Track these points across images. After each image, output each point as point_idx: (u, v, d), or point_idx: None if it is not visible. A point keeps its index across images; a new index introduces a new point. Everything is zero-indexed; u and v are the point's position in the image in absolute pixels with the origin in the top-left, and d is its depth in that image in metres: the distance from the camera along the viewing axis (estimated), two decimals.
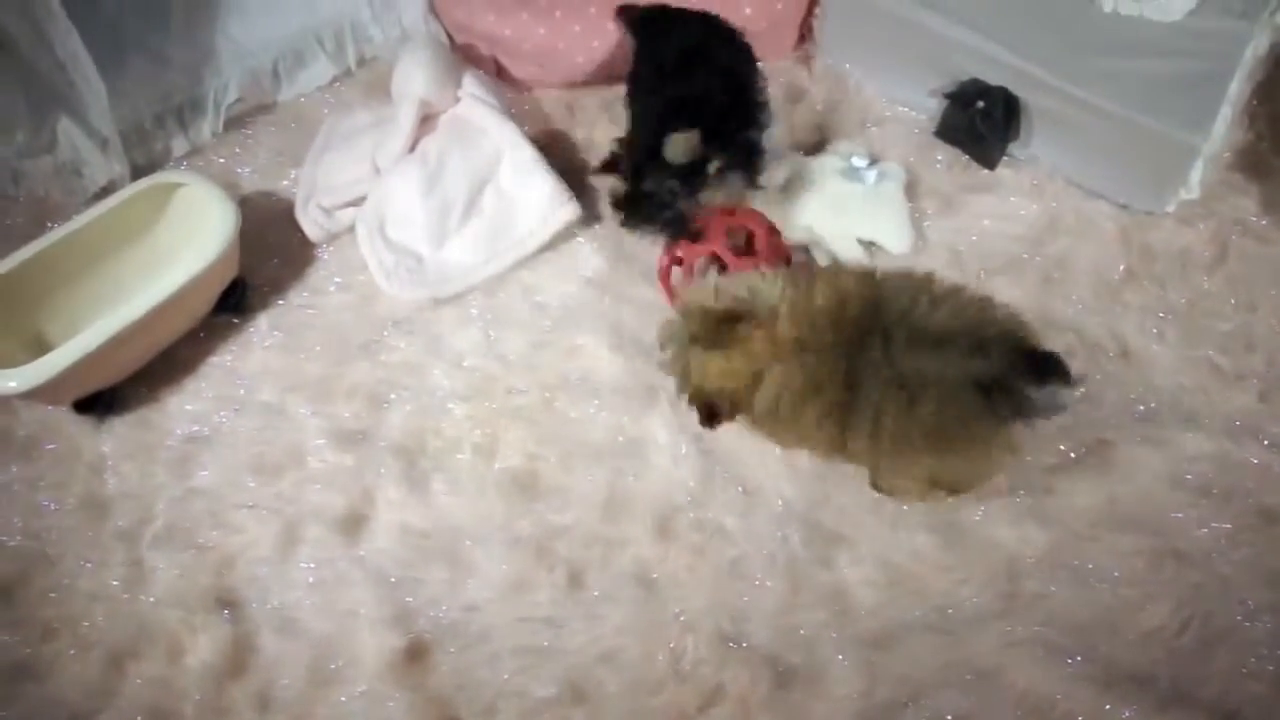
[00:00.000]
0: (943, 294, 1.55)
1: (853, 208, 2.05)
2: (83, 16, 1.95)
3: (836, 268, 1.63)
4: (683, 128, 1.81)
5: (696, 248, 1.87)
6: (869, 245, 2.06)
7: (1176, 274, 2.04)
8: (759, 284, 1.61)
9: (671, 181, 1.86)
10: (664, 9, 2.13)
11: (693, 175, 1.85)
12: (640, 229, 1.98)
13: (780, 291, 1.58)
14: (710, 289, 1.64)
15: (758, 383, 1.57)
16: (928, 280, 1.58)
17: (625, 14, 2.18)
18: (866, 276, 1.60)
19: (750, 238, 1.88)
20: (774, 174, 2.12)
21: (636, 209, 1.95)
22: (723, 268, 1.86)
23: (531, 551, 1.70)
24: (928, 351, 1.49)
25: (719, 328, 1.57)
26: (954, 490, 1.70)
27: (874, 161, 2.10)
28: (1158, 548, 1.69)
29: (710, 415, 1.63)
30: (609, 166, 2.15)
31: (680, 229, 1.89)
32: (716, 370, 1.59)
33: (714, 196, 1.87)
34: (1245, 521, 1.71)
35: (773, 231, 1.90)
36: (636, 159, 1.93)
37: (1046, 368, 1.49)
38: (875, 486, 1.74)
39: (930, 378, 1.48)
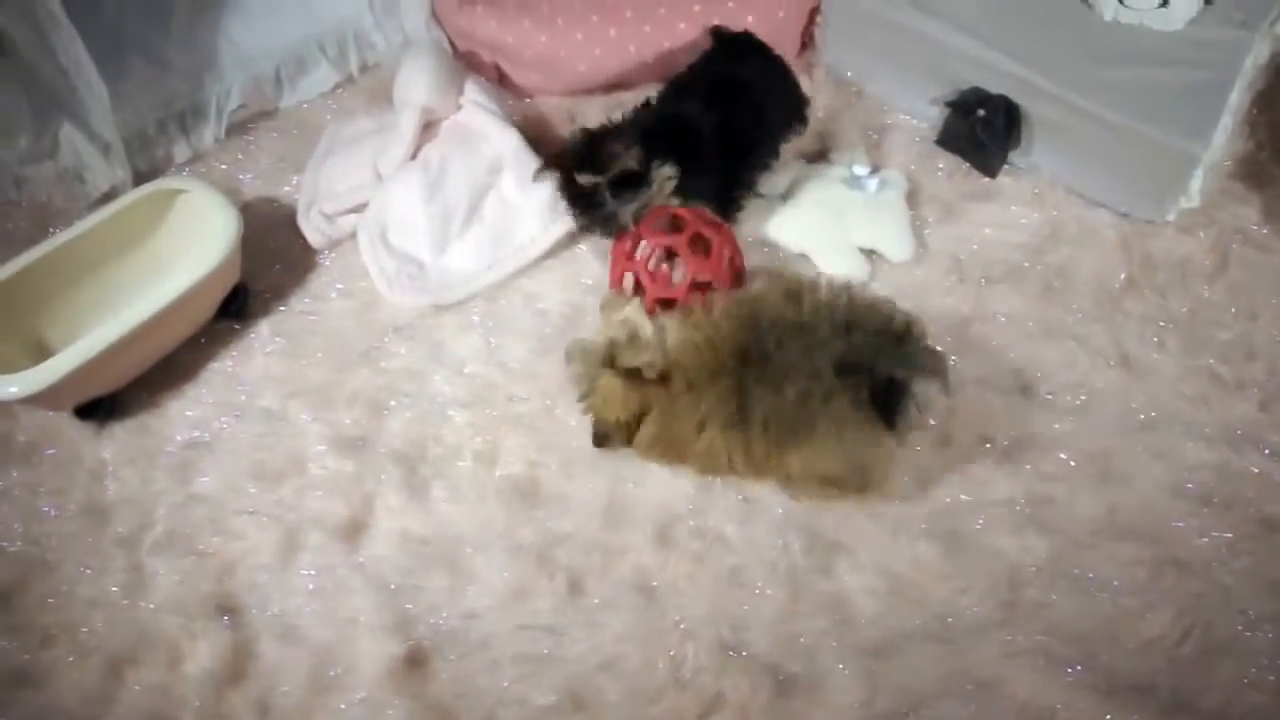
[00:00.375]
0: (814, 300, 1.59)
1: (853, 216, 2.05)
2: (85, 22, 1.95)
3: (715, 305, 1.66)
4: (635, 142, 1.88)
5: (661, 236, 1.87)
6: (870, 253, 2.06)
7: (1177, 283, 2.04)
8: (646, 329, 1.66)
9: (599, 181, 1.89)
10: (749, 40, 2.18)
11: (625, 183, 1.89)
12: (577, 222, 2.02)
13: (660, 337, 1.64)
14: (624, 310, 1.70)
15: (642, 417, 1.63)
16: (796, 289, 1.62)
17: (715, 33, 2.23)
18: (739, 305, 1.64)
19: (709, 246, 1.87)
20: (776, 181, 2.13)
21: (571, 202, 1.99)
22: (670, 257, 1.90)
23: (532, 559, 1.70)
24: (792, 340, 1.53)
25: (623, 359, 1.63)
26: (845, 488, 1.69)
27: (875, 169, 2.10)
28: (1159, 557, 1.68)
29: (600, 438, 1.70)
30: (559, 159, 2.10)
31: (608, 231, 1.92)
32: (617, 399, 1.63)
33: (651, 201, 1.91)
34: (1246, 531, 1.71)
35: (735, 251, 1.92)
36: (579, 151, 1.95)
37: (912, 357, 1.52)
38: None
39: (792, 364, 1.51)
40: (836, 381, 1.50)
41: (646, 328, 1.66)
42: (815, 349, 1.52)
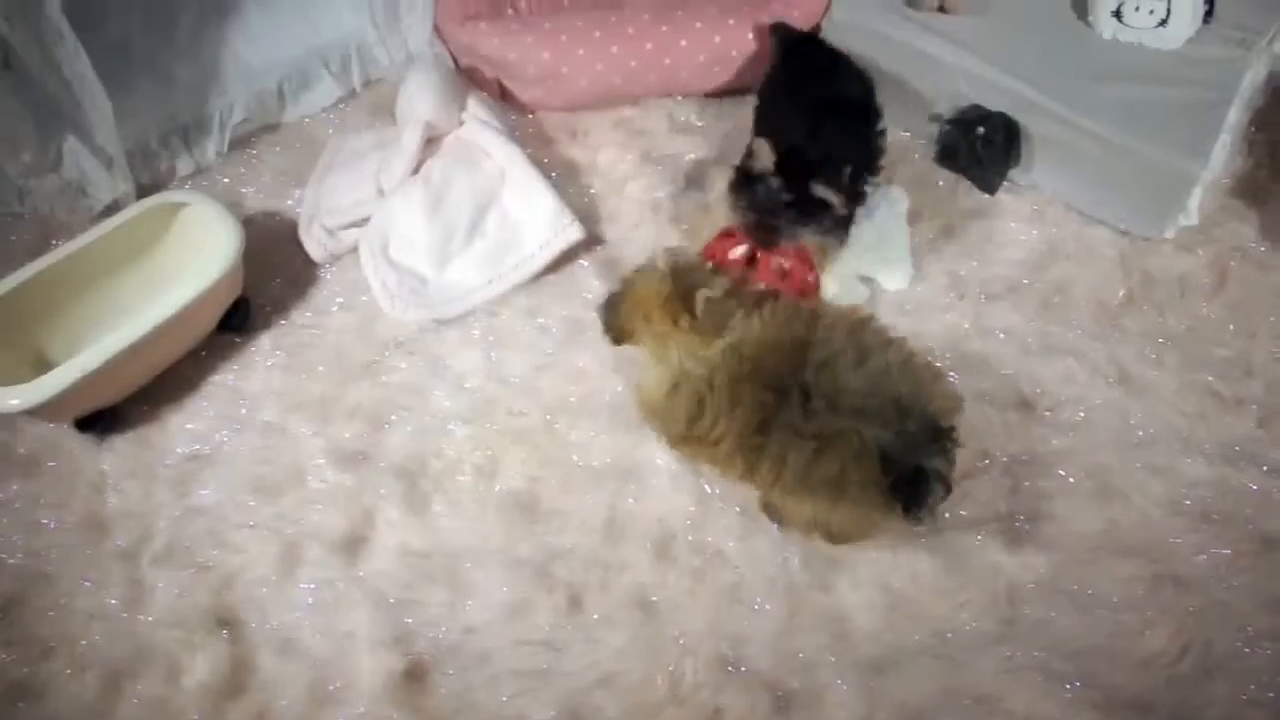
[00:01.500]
0: (872, 345, 1.54)
1: (856, 241, 2.03)
2: (90, 36, 1.96)
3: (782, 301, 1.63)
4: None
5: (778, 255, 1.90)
6: (868, 281, 2.06)
7: (1176, 300, 2.05)
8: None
9: (781, 192, 1.84)
10: (814, 40, 2.20)
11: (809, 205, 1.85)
12: (740, 211, 1.91)
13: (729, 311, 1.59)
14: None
15: (680, 388, 1.59)
16: (860, 326, 1.58)
17: (776, 31, 2.23)
18: (805, 315, 1.59)
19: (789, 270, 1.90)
20: None
21: (743, 191, 1.89)
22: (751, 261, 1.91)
23: (531, 574, 1.70)
24: (844, 412, 1.48)
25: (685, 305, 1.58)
26: (833, 538, 1.70)
27: (877, 184, 2.08)
28: (1157, 573, 1.69)
29: (618, 337, 1.67)
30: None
31: (765, 239, 1.89)
32: (652, 300, 1.60)
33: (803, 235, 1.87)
34: (1245, 547, 1.72)
35: (812, 270, 1.93)
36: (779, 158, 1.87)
37: (947, 454, 1.50)
38: (764, 508, 1.75)
39: (839, 436, 1.48)
40: (866, 450, 1.47)
41: (719, 285, 1.61)
42: (862, 428, 1.47)
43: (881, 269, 2.05)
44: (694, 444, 1.64)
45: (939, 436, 1.49)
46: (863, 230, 2.01)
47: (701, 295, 1.58)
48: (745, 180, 1.87)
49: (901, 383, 1.51)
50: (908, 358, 1.55)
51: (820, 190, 1.81)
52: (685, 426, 1.60)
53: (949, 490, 1.51)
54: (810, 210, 1.84)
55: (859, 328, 1.58)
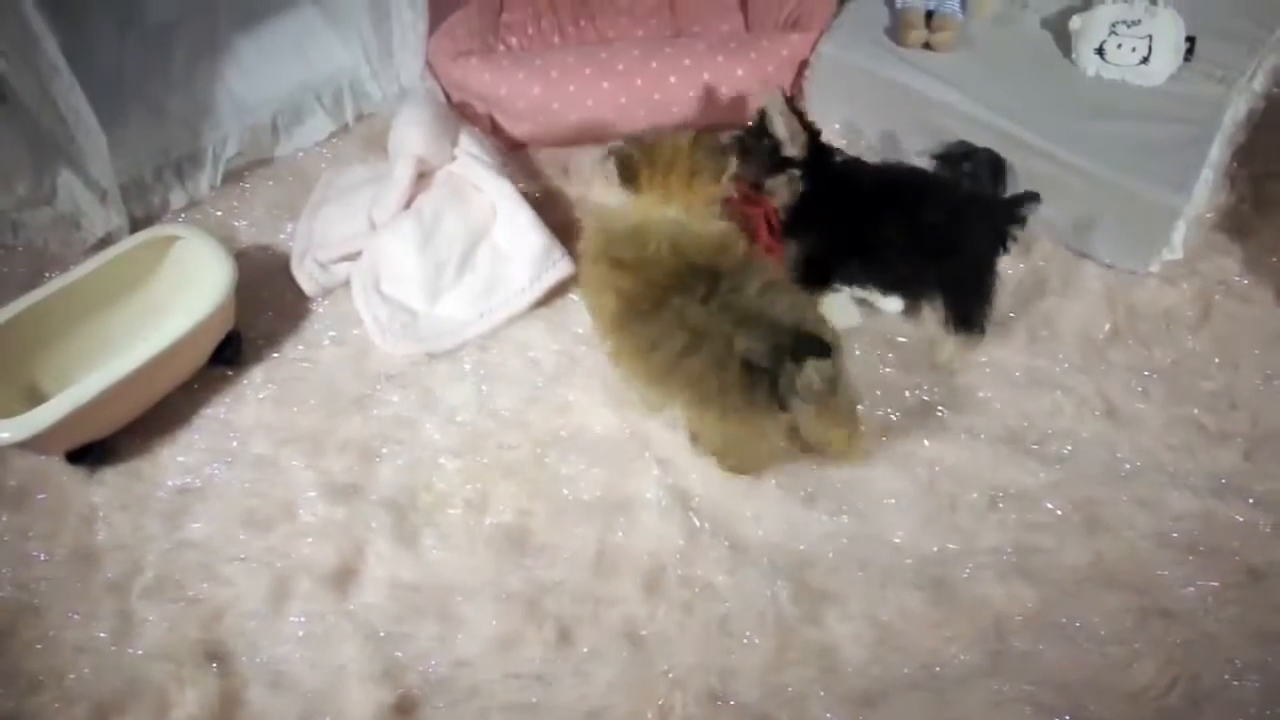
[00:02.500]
0: (783, 292, 1.68)
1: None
2: (85, 70, 1.97)
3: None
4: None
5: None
6: (862, 303, 2.07)
7: (1161, 333, 2.07)
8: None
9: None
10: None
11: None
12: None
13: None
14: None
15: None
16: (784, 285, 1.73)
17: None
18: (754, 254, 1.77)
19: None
20: None
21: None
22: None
23: (521, 607, 1.70)
24: (727, 320, 1.61)
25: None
26: (725, 459, 1.83)
27: None
28: (1145, 606, 1.70)
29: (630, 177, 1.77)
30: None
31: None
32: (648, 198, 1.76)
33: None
34: (1232, 580, 1.73)
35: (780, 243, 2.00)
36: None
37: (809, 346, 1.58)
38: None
39: (712, 336, 1.61)
40: (732, 354, 1.59)
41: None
42: (739, 327, 1.60)
43: (875, 294, 2.07)
44: (611, 283, 1.72)
45: (809, 346, 1.57)
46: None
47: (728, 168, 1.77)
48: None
49: (788, 315, 1.62)
50: (807, 308, 1.69)
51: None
52: (622, 251, 1.71)
53: (831, 389, 1.60)
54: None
55: (783, 285, 1.71)
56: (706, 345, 1.61)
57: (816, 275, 2.01)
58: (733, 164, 1.78)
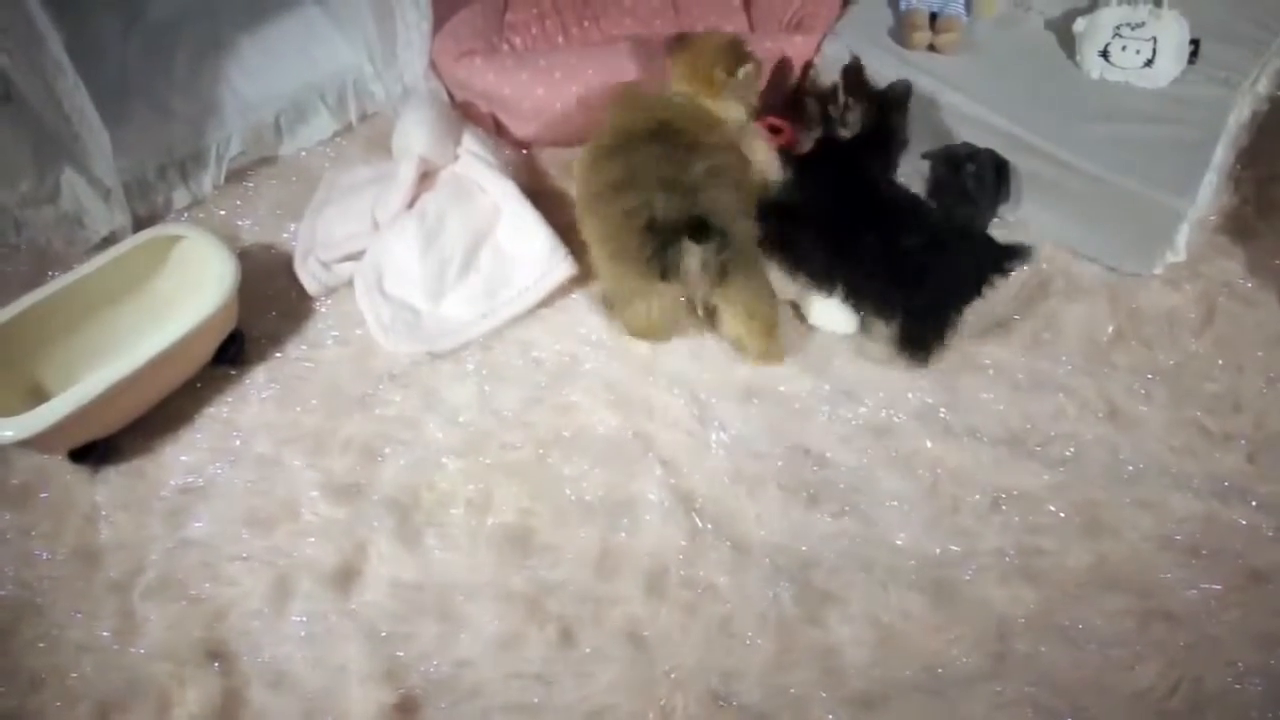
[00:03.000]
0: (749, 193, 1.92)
1: None
2: (89, 69, 1.97)
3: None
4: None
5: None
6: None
7: (1164, 335, 2.07)
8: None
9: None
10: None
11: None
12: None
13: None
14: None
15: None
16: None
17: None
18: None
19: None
20: None
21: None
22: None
23: (523, 607, 1.70)
24: (670, 185, 1.77)
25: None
26: (613, 311, 2.05)
27: None
28: (1147, 608, 1.70)
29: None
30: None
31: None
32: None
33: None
34: (1234, 582, 1.73)
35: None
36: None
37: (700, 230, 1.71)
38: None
39: (637, 189, 1.79)
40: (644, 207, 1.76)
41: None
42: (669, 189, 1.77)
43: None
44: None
45: (700, 230, 1.71)
46: None
47: (744, 69, 1.98)
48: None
49: (716, 202, 1.77)
50: (734, 204, 1.84)
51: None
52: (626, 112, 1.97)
53: (713, 278, 1.79)
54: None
55: (733, 180, 1.87)
56: (634, 191, 1.78)
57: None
58: (750, 66, 1.99)
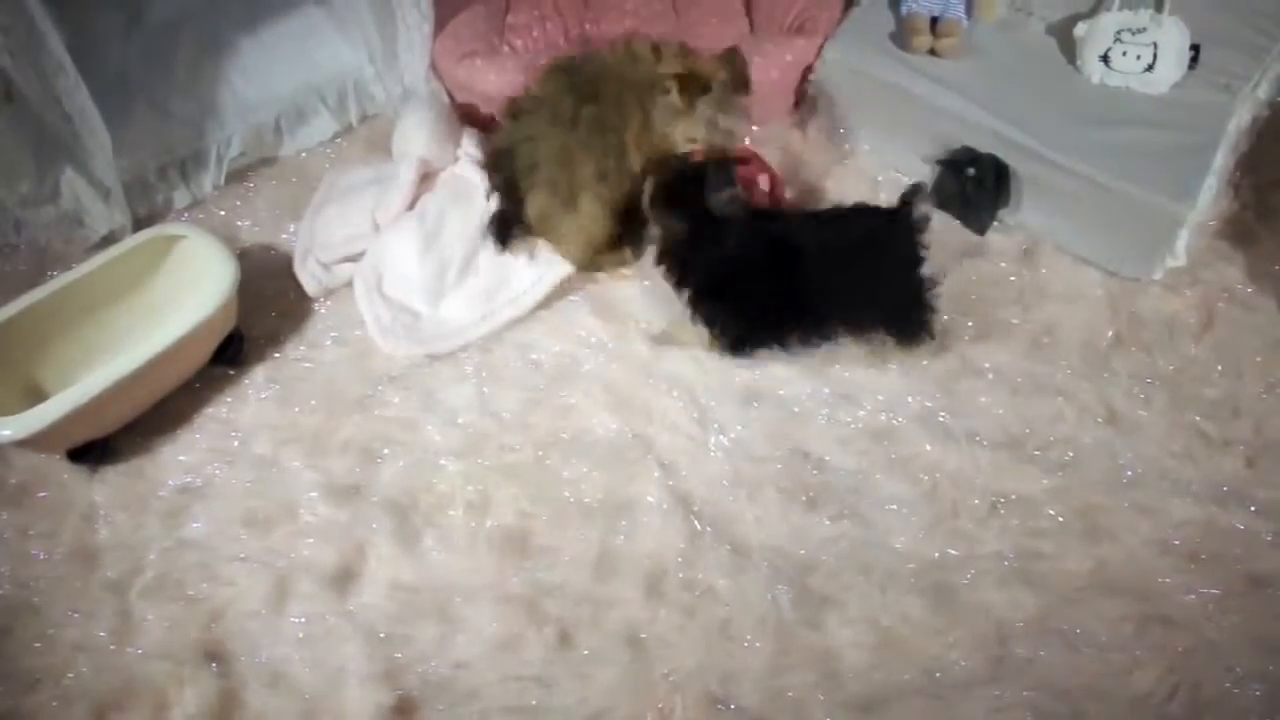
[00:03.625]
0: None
1: None
2: (90, 70, 1.97)
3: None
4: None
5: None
6: None
7: (1164, 340, 2.06)
8: None
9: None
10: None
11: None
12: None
13: None
14: None
15: None
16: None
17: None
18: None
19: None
20: None
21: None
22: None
23: (522, 609, 1.70)
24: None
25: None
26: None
27: None
28: (1146, 613, 1.70)
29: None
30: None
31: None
32: None
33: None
34: (1233, 587, 1.72)
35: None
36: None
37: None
38: None
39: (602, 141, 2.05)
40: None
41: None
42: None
43: None
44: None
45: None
46: None
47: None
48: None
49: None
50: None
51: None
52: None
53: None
54: None
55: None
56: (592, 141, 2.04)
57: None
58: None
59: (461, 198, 2.17)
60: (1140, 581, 1.74)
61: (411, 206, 2.16)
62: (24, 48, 1.84)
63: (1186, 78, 2.20)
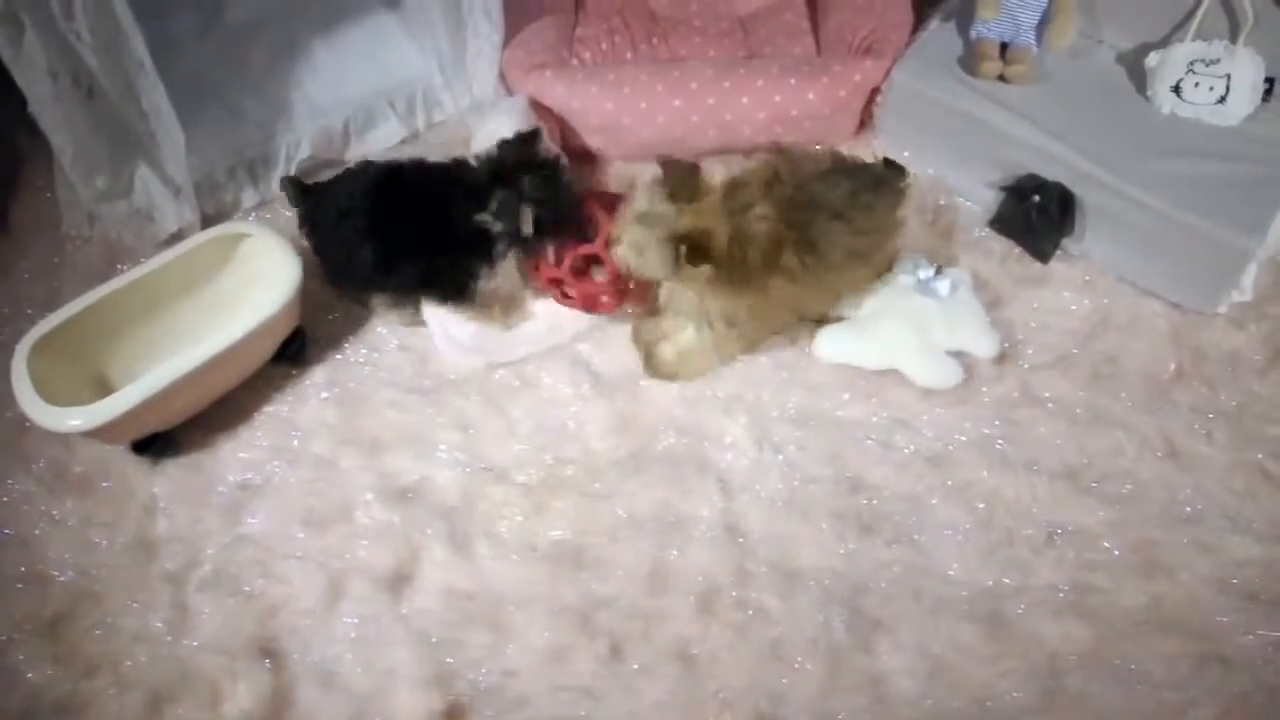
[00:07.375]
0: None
1: (934, 322, 2.02)
2: (166, 68, 2.01)
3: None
4: None
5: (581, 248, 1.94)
6: (958, 355, 2.03)
7: (1227, 376, 2.04)
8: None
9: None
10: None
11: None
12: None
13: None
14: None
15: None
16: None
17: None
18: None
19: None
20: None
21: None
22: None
23: (573, 621, 1.71)
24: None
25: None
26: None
27: (939, 269, 2.06)
28: (1203, 652, 1.67)
29: (694, 251, 1.72)
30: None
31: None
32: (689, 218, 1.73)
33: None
34: None
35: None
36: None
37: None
38: None
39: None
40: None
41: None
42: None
43: (969, 342, 2.03)
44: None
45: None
46: (939, 310, 2.03)
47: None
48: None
49: None
50: None
51: None
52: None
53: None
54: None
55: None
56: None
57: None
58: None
59: None
60: (1198, 620, 1.72)
61: None
62: (109, 47, 1.88)
63: (1260, 110, 2.18)
